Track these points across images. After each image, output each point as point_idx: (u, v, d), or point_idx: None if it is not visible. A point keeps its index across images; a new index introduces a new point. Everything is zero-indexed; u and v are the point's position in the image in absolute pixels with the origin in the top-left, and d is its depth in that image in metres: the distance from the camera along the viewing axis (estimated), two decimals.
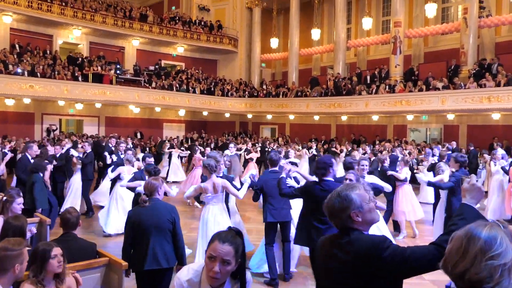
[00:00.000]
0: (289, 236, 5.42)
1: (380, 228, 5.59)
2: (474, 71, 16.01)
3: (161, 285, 3.89)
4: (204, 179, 5.53)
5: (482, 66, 16.26)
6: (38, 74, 17.75)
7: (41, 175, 6.84)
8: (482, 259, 1.37)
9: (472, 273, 1.37)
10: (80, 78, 18.92)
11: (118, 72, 20.75)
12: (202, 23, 25.02)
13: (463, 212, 1.95)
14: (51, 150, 9.69)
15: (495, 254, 1.36)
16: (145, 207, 3.85)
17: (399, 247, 1.91)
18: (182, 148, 16.89)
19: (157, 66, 23.33)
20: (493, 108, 15.00)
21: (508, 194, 8.71)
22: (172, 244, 3.87)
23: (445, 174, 6.57)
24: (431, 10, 17.83)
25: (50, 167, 7.99)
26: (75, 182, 9.09)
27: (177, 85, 22.11)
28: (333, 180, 4.30)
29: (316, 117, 21.32)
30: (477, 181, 2.08)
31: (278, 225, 5.45)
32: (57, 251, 2.83)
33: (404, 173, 7.78)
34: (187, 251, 5.31)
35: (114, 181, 8.13)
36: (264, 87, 24.09)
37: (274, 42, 24.14)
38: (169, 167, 15.01)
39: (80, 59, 20.16)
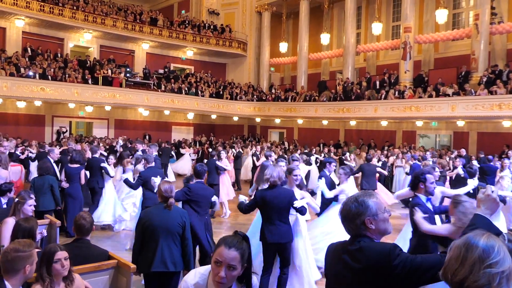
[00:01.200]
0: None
1: None
2: (486, 78, 15.86)
3: None
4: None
5: (494, 73, 16.11)
6: (49, 77, 17.95)
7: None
8: (480, 267, 1.41)
9: (471, 281, 1.41)
10: (90, 81, 19.11)
11: (128, 75, 20.92)
12: (212, 27, 25.15)
13: (476, 223, 1.96)
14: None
15: (493, 262, 1.41)
16: (157, 209, 3.93)
17: (410, 255, 1.92)
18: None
19: (166, 70, 23.48)
20: (504, 116, 14.83)
21: None
22: (180, 249, 3.92)
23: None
24: (441, 16, 17.70)
25: (83, 172, 7.87)
26: (108, 190, 8.45)
27: (186, 89, 22.21)
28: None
29: (325, 122, 21.26)
30: (492, 191, 2.06)
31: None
32: (61, 255, 2.85)
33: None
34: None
35: None
36: (273, 91, 24.11)
37: (283, 46, 24.16)
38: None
39: (89, 62, 20.38)
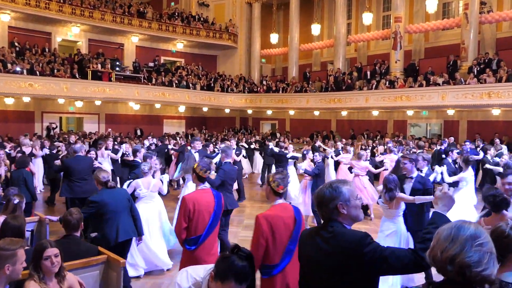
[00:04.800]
0: None
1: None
2: (475, 67, 15.97)
3: (126, 255, 4.73)
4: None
5: (483, 62, 16.22)
6: (37, 72, 17.69)
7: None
8: (472, 244, 1.52)
9: (463, 257, 1.51)
10: (77, 75, 18.87)
11: (117, 69, 20.69)
12: (202, 18, 24.93)
13: (436, 221, 2.07)
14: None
15: (484, 242, 1.53)
16: (105, 194, 4.57)
17: (380, 246, 2.04)
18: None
19: (156, 63, 23.28)
20: (494, 104, 14.98)
21: None
22: (132, 218, 4.75)
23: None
24: (431, 5, 17.71)
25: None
26: None
27: (177, 81, 22.06)
28: None
29: (316, 112, 21.29)
30: (449, 189, 2.17)
31: None
32: (50, 252, 2.82)
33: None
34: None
35: None
36: (264, 82, 24.04)
37: (274, 38, 24.05)
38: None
39: (76, 56, 20.11)
